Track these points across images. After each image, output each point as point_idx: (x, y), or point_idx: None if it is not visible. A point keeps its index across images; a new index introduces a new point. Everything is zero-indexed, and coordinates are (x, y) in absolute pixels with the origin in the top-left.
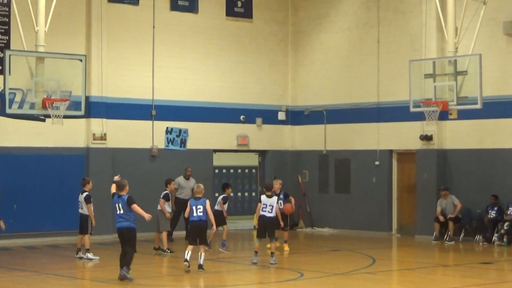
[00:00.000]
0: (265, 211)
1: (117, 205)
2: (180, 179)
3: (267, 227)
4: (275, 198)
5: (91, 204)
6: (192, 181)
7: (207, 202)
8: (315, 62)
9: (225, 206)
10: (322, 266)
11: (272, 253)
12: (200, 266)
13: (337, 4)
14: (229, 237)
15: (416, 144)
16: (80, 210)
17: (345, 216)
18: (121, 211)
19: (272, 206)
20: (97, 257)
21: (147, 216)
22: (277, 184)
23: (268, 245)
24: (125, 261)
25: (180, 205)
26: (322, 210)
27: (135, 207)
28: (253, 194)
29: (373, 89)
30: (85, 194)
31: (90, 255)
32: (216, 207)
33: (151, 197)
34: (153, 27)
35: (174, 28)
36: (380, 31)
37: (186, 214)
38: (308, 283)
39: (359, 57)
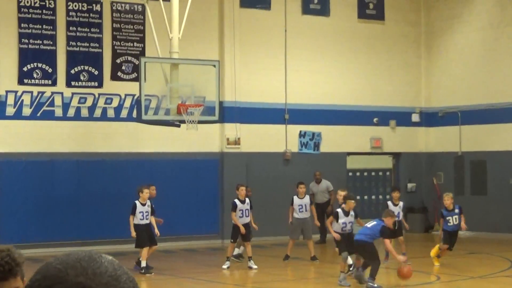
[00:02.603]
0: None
1: None
2: (312, 184)
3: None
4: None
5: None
6: (323, 184)
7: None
8: (448, 62)
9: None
10: (459, 269)
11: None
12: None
13: (470, 3)
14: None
15: None
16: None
17: (482, 218)
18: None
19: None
20: (256, 266)
21: None
22: (449, 199)
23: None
24: (370, 272)
25: (317, 210)
26: None
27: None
28: (387, 197)
29: (509, 89)
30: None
31: (250, 263)
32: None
33: (285, 201)
34: (285, 31)
35: (306, 32)
36: None
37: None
38: (445, 286)
39: (494, 56)
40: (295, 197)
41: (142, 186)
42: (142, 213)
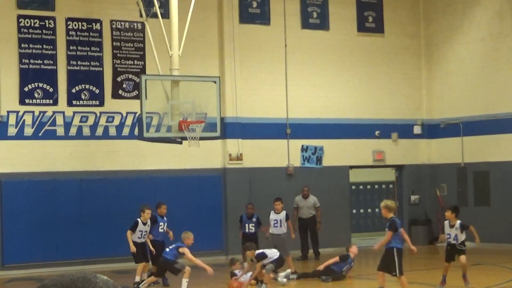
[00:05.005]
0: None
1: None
2: (298, 198)
3: None
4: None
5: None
6: (310, 200)
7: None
8: (449, 74)
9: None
10: (463, 281)
11: None
12: None
13: (470, 15)
14: (368, 253)
15: None
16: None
17: (486, 229)
18: None
19: None
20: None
21: None
22: None
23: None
24: None
25: (300, 225)
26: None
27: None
28: None
29: (510, 99)
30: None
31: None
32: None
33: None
34: (285, 46)
35: (306, 46)
36: None
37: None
38: None
39: (495, 67)
40: (272, 212)
41: (145, 205)
42: (141, 232)
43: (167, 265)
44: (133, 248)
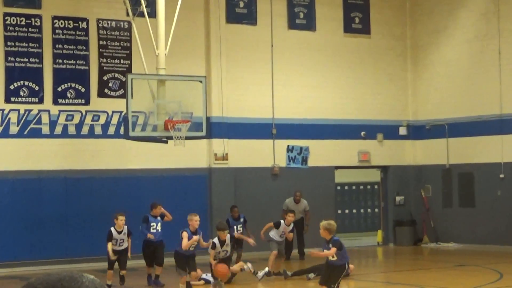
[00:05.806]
0: None
1: None
2: (289, 201)
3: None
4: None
5: None
6: (302, 204)
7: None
8: (435, 75)
9: None
10: (447, 282)
11: None
12: None
13: (456, 16)
14: (352, 253)
15: None
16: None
17: (470, 230)
18: None
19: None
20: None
21: None
22: None
23: None
24: None
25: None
26: (447, 224)
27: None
28: (376, 210)
29: (495, 101)
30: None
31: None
32: None
33: (273, 216)
34: (272, 46)
35: (292, 47)
36: (501, 42)
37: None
38: None
39: (480, 69)
40: (282, 222)
41: (118, 212)
42: (117, 241)
43: (175, 260)
44: (112, 258)
